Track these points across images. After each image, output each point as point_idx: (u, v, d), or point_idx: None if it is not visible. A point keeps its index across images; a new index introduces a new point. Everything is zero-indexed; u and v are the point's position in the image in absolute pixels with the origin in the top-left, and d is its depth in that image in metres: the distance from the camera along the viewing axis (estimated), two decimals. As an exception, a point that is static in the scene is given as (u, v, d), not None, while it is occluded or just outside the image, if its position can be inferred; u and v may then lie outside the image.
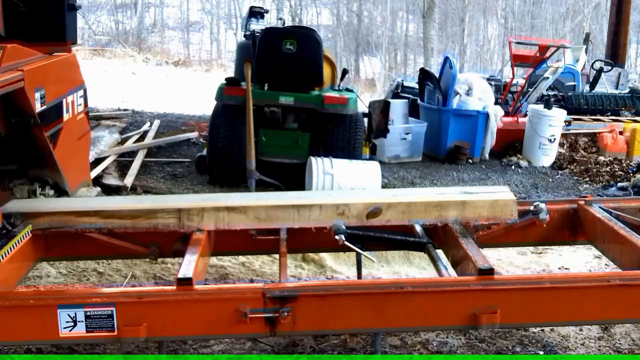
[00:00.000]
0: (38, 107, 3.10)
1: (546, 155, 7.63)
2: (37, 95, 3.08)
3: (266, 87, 6.19)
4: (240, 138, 5.87)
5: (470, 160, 7.61)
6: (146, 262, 4.34)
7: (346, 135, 6.01)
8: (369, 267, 4.25)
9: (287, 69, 6.04)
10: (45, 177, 3.41)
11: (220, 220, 3.24)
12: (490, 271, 2.81)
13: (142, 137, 7.84)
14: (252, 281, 4.23)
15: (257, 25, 7.25)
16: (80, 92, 3.69)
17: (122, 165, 6.55)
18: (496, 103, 8.13)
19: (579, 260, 4.84)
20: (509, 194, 3.46)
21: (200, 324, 2.70)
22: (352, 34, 28.15)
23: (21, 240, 3.03)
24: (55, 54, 3.55)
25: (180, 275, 2.74)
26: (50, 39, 3.67)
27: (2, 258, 2.84)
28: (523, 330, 3.61)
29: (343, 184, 5.38)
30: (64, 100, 3.44)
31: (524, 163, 7.60)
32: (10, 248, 2.92)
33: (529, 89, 8.97)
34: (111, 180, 5.93)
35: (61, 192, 3.48)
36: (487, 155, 7.74)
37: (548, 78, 8.93)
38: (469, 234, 3.23)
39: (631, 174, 7.01)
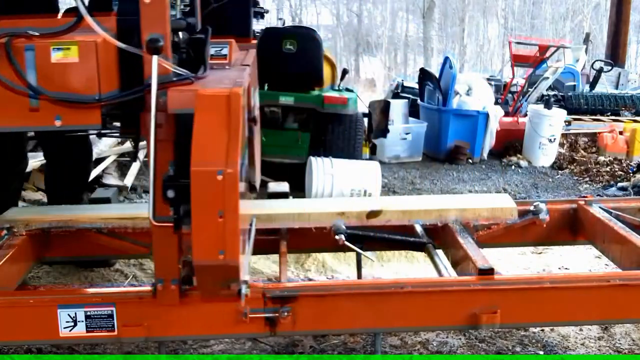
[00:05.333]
0: (252, 103, 3.03)
1: (546, 155, 7.63)
2: (252, 90, 3.01)
3: (266, 87, 6.19)
4: (240, 138, 5.87)
5: (470, 160, 7.61)
6: (146, 262, 4.34)
7: (346, 135, 6.01)
8: (369, 267, 4.25)
9: (287, 69, 6.04)
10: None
11: (220, 220, 3.23)
12: (490, 271, 2.82)
13: (142, 137, 7.82)
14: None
15: (257, 25, 7.25)
16: (257, 90, 3.63)
17: (122, 165, 6.55)
18: (496, 103, 8.13)
19: (579, 260, 4.84)
20: (509, 200, 3.47)
21: (200, 324, 2.70)
22: (352, 34, 28.15)
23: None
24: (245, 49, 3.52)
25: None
26: (238, 34, 3.60)
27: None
28: (523, 330, 3.61)
29: (343, 184, 5.38)
30: (254, 97, 3.37)
31: (524, 163, 7.60)
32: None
33: (529, 89, 8.98)
34: (111, 180, 5.93)
35: (251, 187, 3.44)
36: (486, 155, 7.74)
37: (548, 78, 8.94)
38: (469, 234, 3.23)
39: (631, 174, 7.01)
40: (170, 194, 2.22)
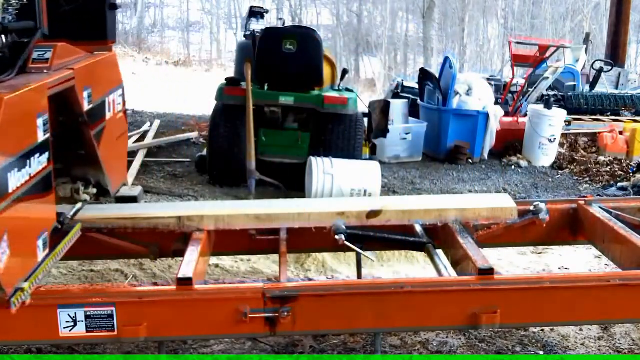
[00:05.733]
0: (86, 106, 3.10)
1: (546, 155, 7.63)
2: (85, 94, 3.09)
3: (266, 87, 6.19)
4: (240, 138, 5.87)
5: (470, 160, 7.61)
6: (146, 262, 4.34)
7: (346, 135, 6.01)
8: (369, 267, 4.25)
9: (287, 69, 6.04)
10: (89, 176, 3.41)
11: (220, 220, 3.24)
12: (490, 271, 2.82)
13: (142, 137, 7.84)
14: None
15: (257, 25, 7.24)
16: (120, 92, 3.70)
17: (122, 165, 6.55)
18: (496, 103, 8.12)
19: (579, 260, 4.84)
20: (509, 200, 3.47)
21: (200, 324, 2.70)
22: (352, 34, 28.16)
23: (72, 240, 3.03)
24: (96, 53, 3.55)
25: (180, 275, 2.74)
26: (92, 38, 3.67)
27: (59, 255, 2.86)
28: (523, 330, 3.62)
29: (343, 184, 5.38)
30: (107, 99, 3.45)
31: (524, 163, 7.59)
32: (63, 248, 2.92)
33: (529, 89, 8.97)
34: (111, 180, 5.92)
35: (104, 191, 3.49)
36: (487, 155, 7.74)
37: (548, 78, 8.93)
38: (469, 234, 3.23)
39: (631, 174, 7.01)
40: None
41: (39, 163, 2.54)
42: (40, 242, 2.60)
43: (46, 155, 2.61)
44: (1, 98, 2.25)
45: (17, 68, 2.68)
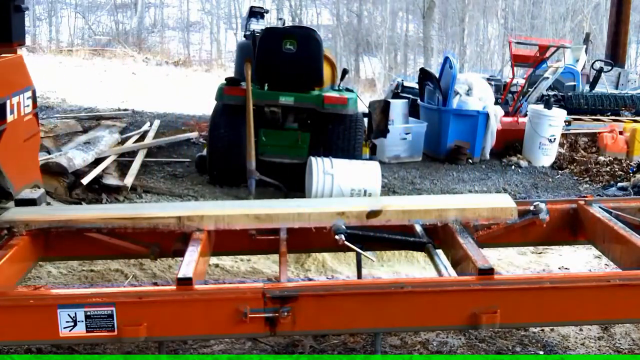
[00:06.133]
0: None
1: (546, 155, 7.63)
2: None
3: (266, 87, 6.19)
4: (240, 138, 5.87)
5: (470, 160, 7.61)
6: (146, 262, 4.34)
7: (346, 135, 6.01)
8: (369, 267, 4.25)
9: (287, 69, 6.04)
10: None
11: (220, 220, 3.24)
12: (490, 271, 2.82)
13: (142, 137, 7.84)
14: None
15: (257, 25, 7.25)
16: (28, 94, 3.68)
17: (122, 165, 6.55)
18: (496, 103, 8.13)
19: (579, 260, 4.84)
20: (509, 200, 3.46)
21: (200, 324, 2.70)
22: (352, 34, 28.15)
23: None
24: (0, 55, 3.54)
25: (180, 275, 2.74)
26: None
27: None
28: (523, 330, 3.62)
29: (343, 184, 5.38)
30: (8, 102, 3.43)
31: (524, 163, 7.60)
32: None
33: (529, 89, 8.97)
34: (111, 180, 5.93)
35: (5, 194, 3.47)
36: (487, 155, 7.74)
37: (548, 78, 8.93)
38: (469, 234, 3.23)
39: (631, 174, 7.01)
40: None
41: None
42: None
43: None
44: None
45: None
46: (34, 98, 3.78)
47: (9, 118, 3.41)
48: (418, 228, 3.40)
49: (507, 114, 8.28)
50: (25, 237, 3.13)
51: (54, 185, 5.44)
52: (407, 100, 8.21)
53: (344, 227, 3.19)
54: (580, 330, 3.69)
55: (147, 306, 2.66)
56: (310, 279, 4.40)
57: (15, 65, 3.62)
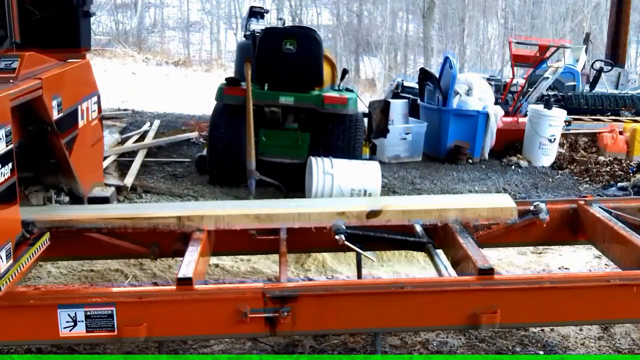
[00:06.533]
0: (55, 115, 3.10)
1: (546, 155, 7.63)
2: (54, 103, 3.09)
3: (266, 87, 6.19)
4: (240, 138, 5.87)
5: (470, 160, 7.61)
6: (146, 262, 4.34)
7: (346, 135, 6.01)
8: (369, 267, 4.25)
9: (287, 69, 6.04)
10: (60, 184, 3.41)
11: (220, 220, 3.24)
12: (490, 271, 2.82)
13: (142, 137, 7.84)
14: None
15: (257, 25, 7.25)
16: (94, 99, 3.70)
17: (122, 165, 6.55)
18: (496, 103, 8.12)
19: (579, 260, 4.84)
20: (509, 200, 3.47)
21: (200, 324, 2.70)
22: (352, 34, 28.13)
23: (40, 248, 3.02)
24: (69, 60, 3.55)
25: (180, 275, 2.74)
26: (65, 45, 3.68)
27: (23, 266, 2.84)
28: (523, 330, 3.62)
29: (343, 184, 5.38)
30: (79, 107, 3.44)
31: (524, 163, 7.59)
32: (31, 255, 2.91)
33: (529, 89, 8.97)
34: (111, 180, 5.93)
35: (76, 198, 3.49)
36: (487, 155, 7.74)
37: (548, 78, 8.93)
38: (469, 234, 3.23)
39: (631, 174, 7.00)
40: None
41: (1, 174, 2.54)
42: (2, 253, 2.58)
43: (9, 166, 2.60)
44: None
45: None
46: (99, 103, 3.81)
47: (80, 123, 3.44)
48: (418, 228, 3.40)
49: (507, 114, 8.27)
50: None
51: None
52: (407, 100, 8.20)
53: (344, 227, 3.19)
54: (580, 330, 3.69)
55: (147, 306, 2.66)
56: (310, 279, 4.40)
57: (85, 70, 3.63)
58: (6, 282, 2.60)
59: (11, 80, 2.79)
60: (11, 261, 2.67)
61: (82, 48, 3.85)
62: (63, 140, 3.20)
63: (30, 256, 2.90)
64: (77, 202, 3.52)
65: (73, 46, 3.78)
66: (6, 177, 2.57)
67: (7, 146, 2.57)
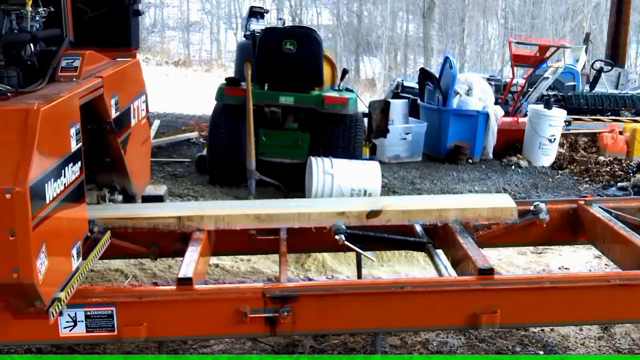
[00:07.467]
0: (113, 114, 3.09)
1: (546, 155, 7.63)
2: (113, 101, 3.08)
3: (266, 87, 6.19)
4: (240, 138, 5.87)
5: (471, 160, 7.61)
6: (146, 262, 4.34)
7: (346, 135, 6.01)
8: (369, 267, 4.25)
9: (287, 69, 6.04)
10: (114, 183, 3.40)
11: (220, 220, 3.24)
12: (490, 271, 2.82)
13: (142, 137, 7.83)
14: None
15: (257, 25, 7.25)
16: (143, 98, 3.67)
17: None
18: (496, 103, 8.13)
19: (579, 260, 4.84)
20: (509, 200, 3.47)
21: (200, 324, 2.70)
22: (352, 34, 28.14)
23: (104, 246, 3.02)
24: (119, 59, 3.54)
25: (180, 275, 2.74)
26: (116, 44, 3.68)
27: (91, 263, 2.84)
28: (523, 330, 3.62)
29: (343, 184, 5.38)
30: (132, 106, 3.43)
31: (524, 163, 7.59)
32: (97, 253, 2.92)
33: (529, 89, 8.97)
34: (111, 180, 5.92)
35: (128, 196, 3.49)
36: (487, 155, 7.74)
37: (548, 78, 8.93)
38: (469, 234, 3.23)
39: (631, 174, 7.00)
40: None
41: (73, 172, 2.53)
42: (74, 251, 2.58)
43: (79, 164, 2.60)
44: (37, 109, 2.23)
45: (47, 77, 2.67)
46: (146, 102, 3.79)
47: (132, 122, 3.43)
48: (418, 228, 3.40)
49: (507, 114, 8.27)
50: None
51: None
52: (407, 100, 8.21)
53: (344, 227, 3.19)
54: (580, 330, 3.69)
55: (147, 306, 2.66)
56: (310, 279, 4.40)
57: (136, 69, 3.61)
58: (77, 280, 2.59)
59: (74, 79, 2.77)
60: (81, 259, 2.66)
61: (133, 47, 3.85)
62: (119, 139, 3.19)
63: (96, 254, 2.91)
64: (130, 200, 3.51)
65: (124, 45, 3.79)
66: (76, 175, 2.57)
67: (77, 144, 2.56)
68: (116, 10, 3.75)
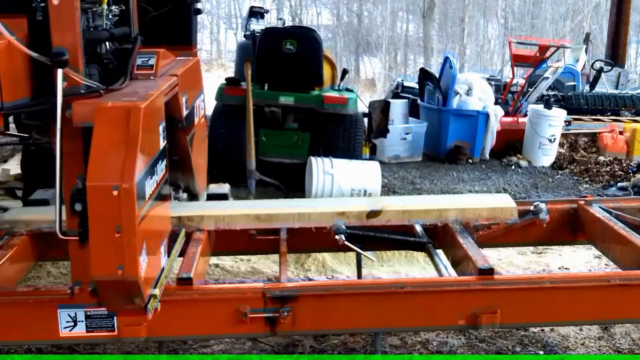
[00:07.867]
0: (184, 112, 3.07)
1: (546, 155, 7.63)
2: (184, 99, 3.06)
3: (266, 87, 6.19)
4: (240, 138, 5.87)
5: (470, 160, 7.61)
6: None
7: (346, 135, 6.01)
8: (369, 267, 4.25)
9: (287, 69, 6.04)
10: (179, 181, 3.38)
11: (220, 220, 3.24)
12: (490, 271, 2.82)
13: (142, 137, 7.82)
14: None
15: (257, 25, 7.25)
16: (202, 96, 3.66)
17: (122, 165, 6.54)
18: (496, 103, 8.13)
19: (579, 260, 4.84)
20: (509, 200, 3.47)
21: (200, 324, 2.71)
22: (352, 34, 28.13)
23: (182, 243, 3.02)
24: (180, 58, 3.52)
25: (180, 275, 2.74)
26: (178, 43, 3.65)
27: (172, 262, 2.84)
28: (523, 330, 3.62)
29: (343, 184, 5.38)
30: (195, 105, 3.41)
31: (524, 163, 7.59)
32: (176, 252, 2.92)
33: (529, 89, 8.97)
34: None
35: (192, 195, 3.47)
36: (487, 155, 7.74)
37: (548, 78, 8.93)
38: (469, 234, 3.23)
39: (631, 174, 7.00)
40: (78, 207, 2.17)
41: (161, 170, 2.52)
42: (162, 248, 2.58)
43: (165, 162, 2.58)
44: (138, 107, 2.22)
45: (128, 75, 2.65)
46: (204, 101, 3.78)
47: (196, 120, 3.41)
48: (418, 228, 3.40)
49: (507, 114, 8.27)
50: (25, 237, 3.13)
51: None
52: (407, 100, 8.21)
53: (344, 227, 3.19)
54: (580, 330, 3.69)
55: (147, 306, 2.65)
56: (310, 279, 4.40)
57: (198, 68, 3.59)
58: (165, 277, 2.59)
59: (151, 77, 2.76)
60: (166, 257, 2.66)
61: (193, 45, 3.84)
62: (187, 137, 3.18)
63: (176, 251, 2.91)
64: (194, 198, 3.49)
65: (186, 43, 3.77)
66: (164, 172, 2.56)
67: (163, 142, 2.54)
68: (178, 9, 3.74)
